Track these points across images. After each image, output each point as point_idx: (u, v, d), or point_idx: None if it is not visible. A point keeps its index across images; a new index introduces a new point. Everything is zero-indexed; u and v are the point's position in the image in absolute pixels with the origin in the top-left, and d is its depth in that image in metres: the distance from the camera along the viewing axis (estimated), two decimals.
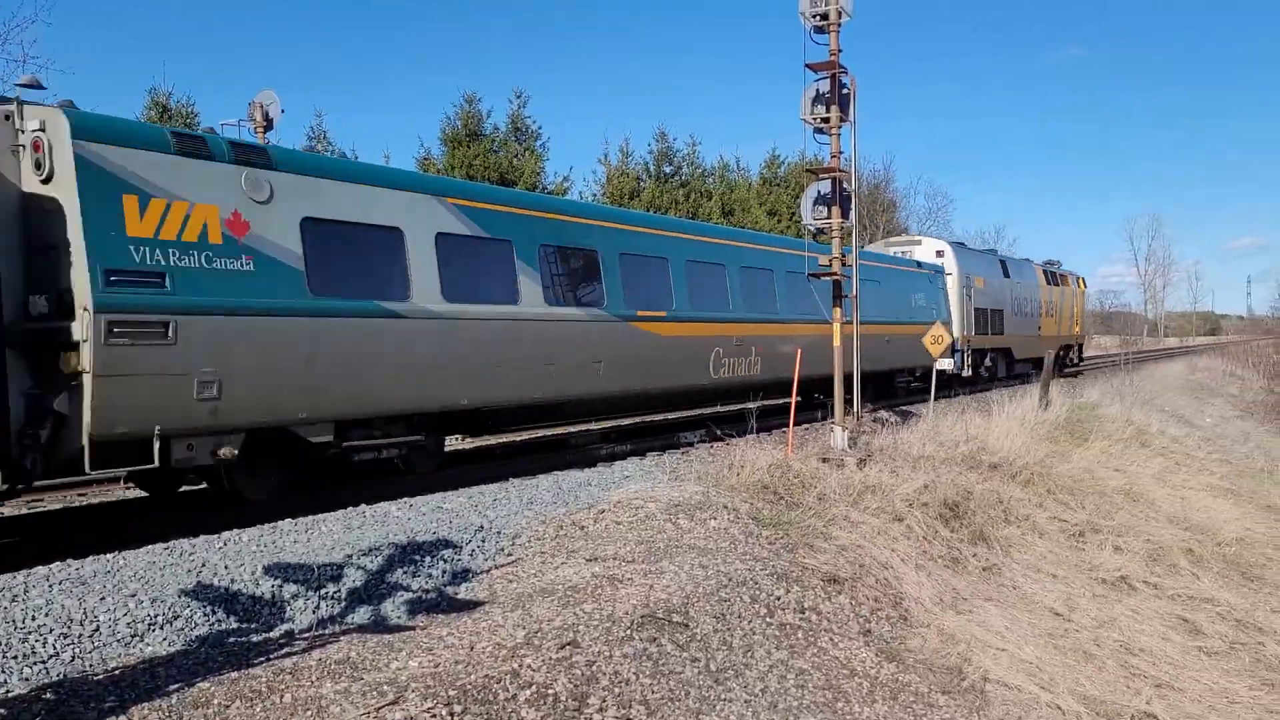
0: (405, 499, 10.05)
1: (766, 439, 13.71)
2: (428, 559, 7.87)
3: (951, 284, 26.60)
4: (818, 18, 12.60)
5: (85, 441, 8.43)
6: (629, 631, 6.53)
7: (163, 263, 8.90)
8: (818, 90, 12.91)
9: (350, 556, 7.62)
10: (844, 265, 13.12)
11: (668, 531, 8.99)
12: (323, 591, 7.06)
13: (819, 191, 13.15)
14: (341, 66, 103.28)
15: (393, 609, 7.04)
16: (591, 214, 14.96)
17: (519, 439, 13.29)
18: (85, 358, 8.35)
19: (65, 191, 8.53)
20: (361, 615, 6.92)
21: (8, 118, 8.69)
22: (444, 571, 7.78)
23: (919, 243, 28.04)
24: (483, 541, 8.40)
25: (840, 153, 12.98)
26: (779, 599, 7.78)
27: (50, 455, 8.53)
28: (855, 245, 13.82)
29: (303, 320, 9.95)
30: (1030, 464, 14.48)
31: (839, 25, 12.57)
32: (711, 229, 19.23)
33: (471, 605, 7.10)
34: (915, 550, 10.10)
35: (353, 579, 7.32)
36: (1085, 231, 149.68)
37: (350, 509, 9.52)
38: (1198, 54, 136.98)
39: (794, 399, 13.76)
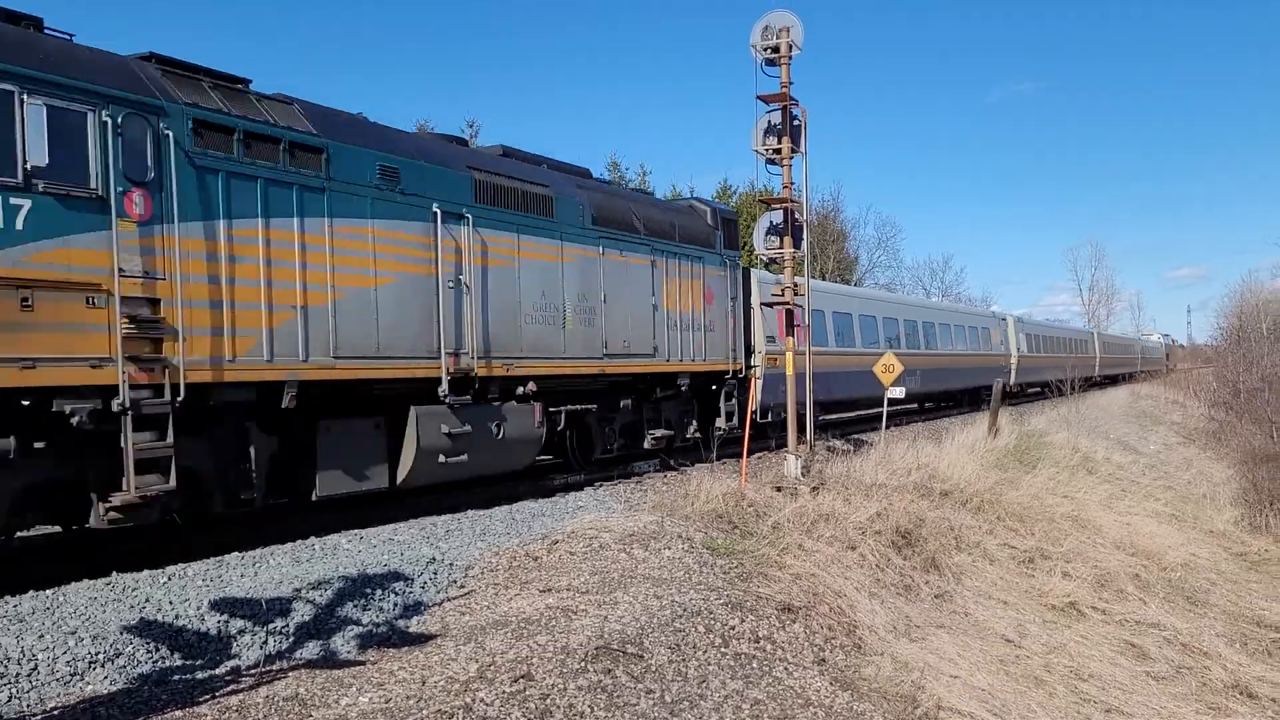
0: (355, 531, 9.91)
1: (721, 468, 13.76)
2: (379, 592, 7.76)
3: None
4: (769, 50, 12.77)
5: None
6: (583, 663, 6.47)
7: None
8: (769, 121, 13.06)
9: (299, 590, 7.49)
10: (797, 294, 13.22)
11: (622, 562, 8.96)
12: (271, 626, 6.92)
13: (771, 222, 13.27)
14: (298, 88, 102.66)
15: (343, 643, 6.93)
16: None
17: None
18: None
19: None
20: (311, 650, 6.80)
21: None
22: (395, 604, 7.68)
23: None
24: (435, 574, 8.31)
25: (792, 183, 13.12)
26: (734, 628, 7.76)
27: None
28: (807, 274, 13.95)
29: None
30: (980, 491, 14.65)
31: (790, 58, 12.74)
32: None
33: (423, 638, 7.00)
34: (869, 578, 10.15)
35: (302, 613, 7.20)
36: (1030, 261, 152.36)
37: (299, 542, 9.37)
38: (1141, 89, 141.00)
39: (746, 429, 13.81)
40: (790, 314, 13.55)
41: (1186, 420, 42.58)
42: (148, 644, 6.37)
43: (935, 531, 11.98)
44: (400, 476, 10.53)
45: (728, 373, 17.09)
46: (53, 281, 7.87)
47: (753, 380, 17.08)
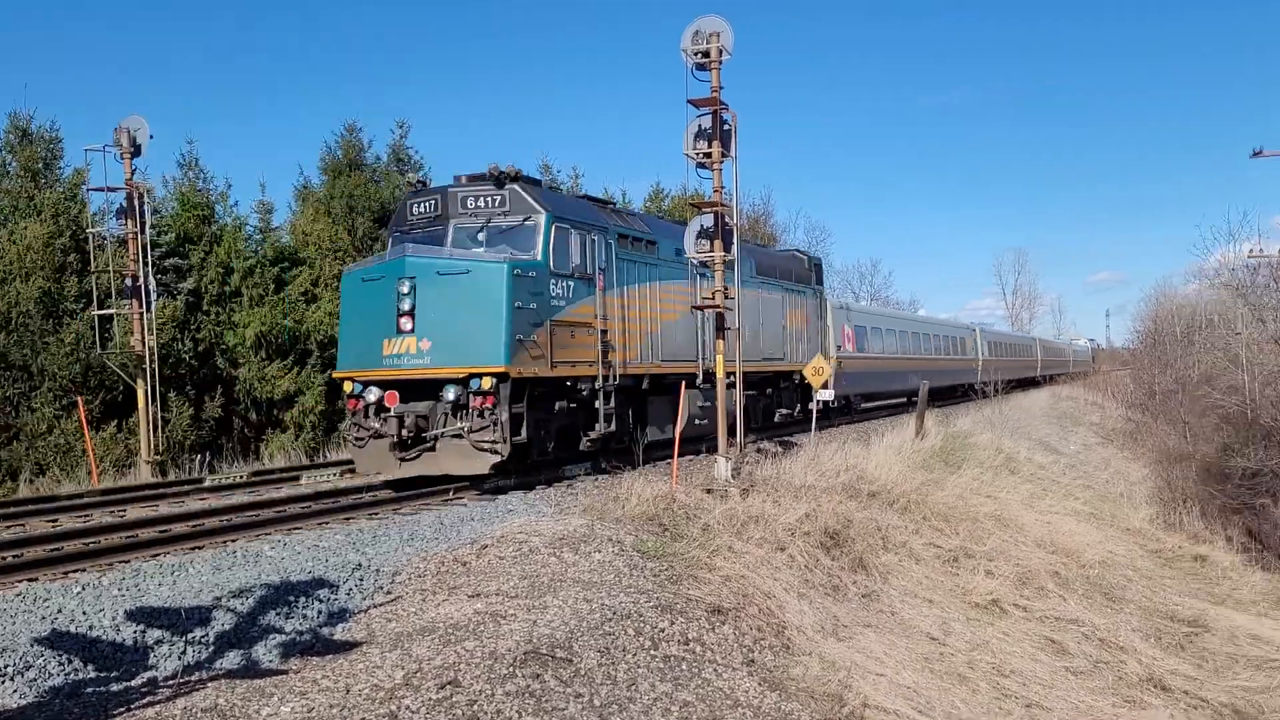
0: (279, 537, 9.73)
1: (652, 471, 13.78)
2: (302, 599, 7.62)
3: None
4: (699, 55, 12.82)
5: None
6: (512, 669, 6.43)
7: None
8: (700, 125, 13.11)
9: (220, 599, 7.32)
10: (728, 298, 13.30)
11: (552, 566, 8.92)
12: (190, 636, 6.75)
13: (702, 225, 13.32)
14: (217, 91, 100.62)
15: (265, 653, 6.78)
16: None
17: (402, 476, 13.01)
18: None
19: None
20: (231, 660, 6.65)
21: None
22: (320, 612, 7.54)
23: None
24: (361, 580, 8.18)
25: (722, 187, 13.18)
26: (663, 631, 7.77)
27: None
28: (738, 279, 14.05)
29: None
30: (907, 492, 14.90)
31: (720, 63, 12.81)
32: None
33: (348, 646, 6.89)
34: (798, 579, 10.24)
35: (222, 622, 7.04)
36: (957, 265, 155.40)
37: (219, 549, 9.17)
38: (1068, 98, 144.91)
39: (678, 432, 13.85)
40: (720, 317, 13.62)
41: (1105, 421, 43.78)
42: (60, 656, 6.17)
43: (863, 532, 12.15)
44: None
45: (798, 372, 22.37)
46: (580, 323, 14.16)
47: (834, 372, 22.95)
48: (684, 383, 15.68)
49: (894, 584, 11.42)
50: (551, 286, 13.47)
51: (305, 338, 23.88)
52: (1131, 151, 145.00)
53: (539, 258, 13.33)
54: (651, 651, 7.40)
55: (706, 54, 12.80)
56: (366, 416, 12.94)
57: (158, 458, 17.53)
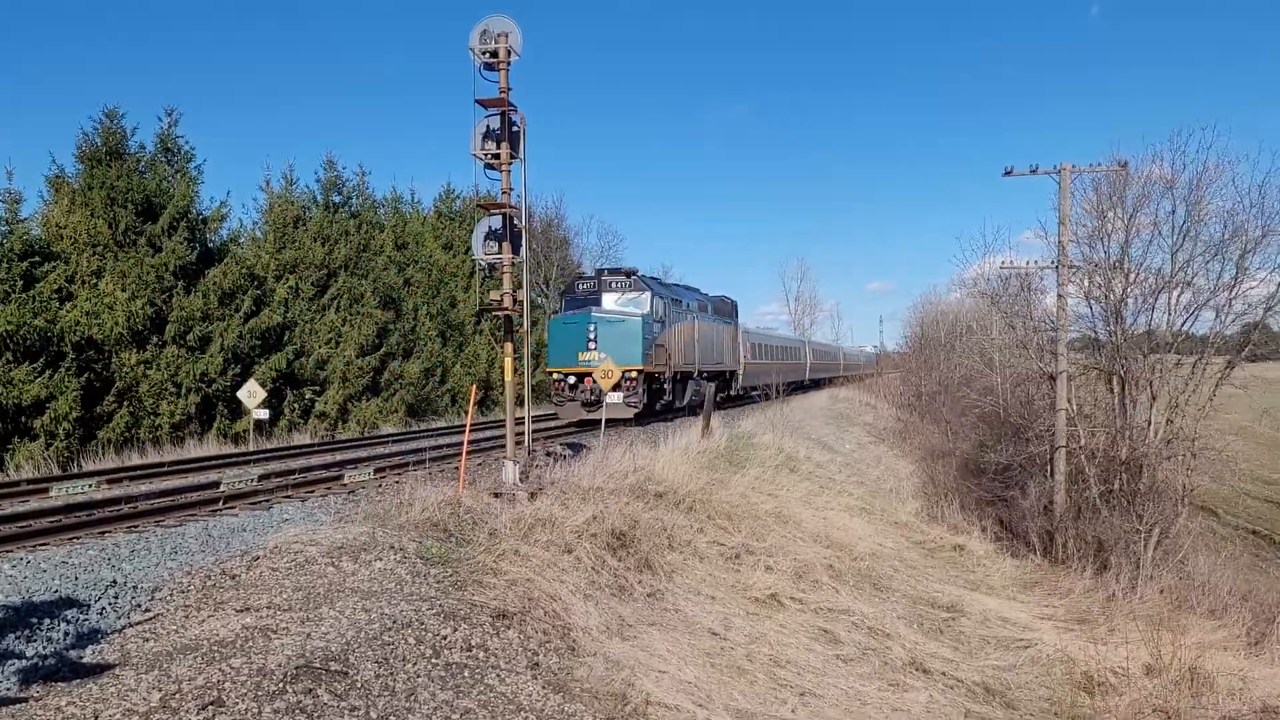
0: (22, 555, 8.91)
1: (440, 475, 13.50)
2: (47, 620, 7.00)
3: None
4: (487, 54, 12.67)
5: None
6: (282, 684, 6.12)
7: None
8: (489, 126, 12.94)
9: None
10: (516, 301, 13.22)
11: (329, 576, 8.57)
12: None
13: (490, 227, 13.16)
14: None
15: (1, 679, 6.17)
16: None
17: (165, 485, 12.21)
18: None
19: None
20: None
21: None
22: (67, 634, 6.95)
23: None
24: (115, 598, 7.60)
25: (511, 189, 13.08)
26: (446, 638, 7.61)
27: None
28: (527, 281, 13.97)
29: None
30: (693, 492, 15.24)
31: (508, 64, 12.70)
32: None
33: (99, 669, 6.37)
34: (584, 580, 10.27)
35: None
36: (746, 273, 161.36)
37: None
38: (841, 116, 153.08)
39: (466, 434, 13.65)
40: (509, 320, 13.50)
41: (877, 421, 46.35)
42: None
43: (649, 532, 12.33)
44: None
45: (734, 371, 36.70)
46: (660, 345, 26.33)
47: (739, 373, 37.55)
48: (690, 376, 29.31)
49: (679, 582, 11.64)
50: (653, 327, 25.50)
51: (59, 339, 22.04)
52: (902, 166, 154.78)
53: (647, 312, 25.31)
54: (433, 660, 7.23)
55: (495, 54, 12.66)
56: (566, 390, 24.91)
57: None
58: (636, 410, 24.22)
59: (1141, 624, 13.89)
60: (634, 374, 24.21)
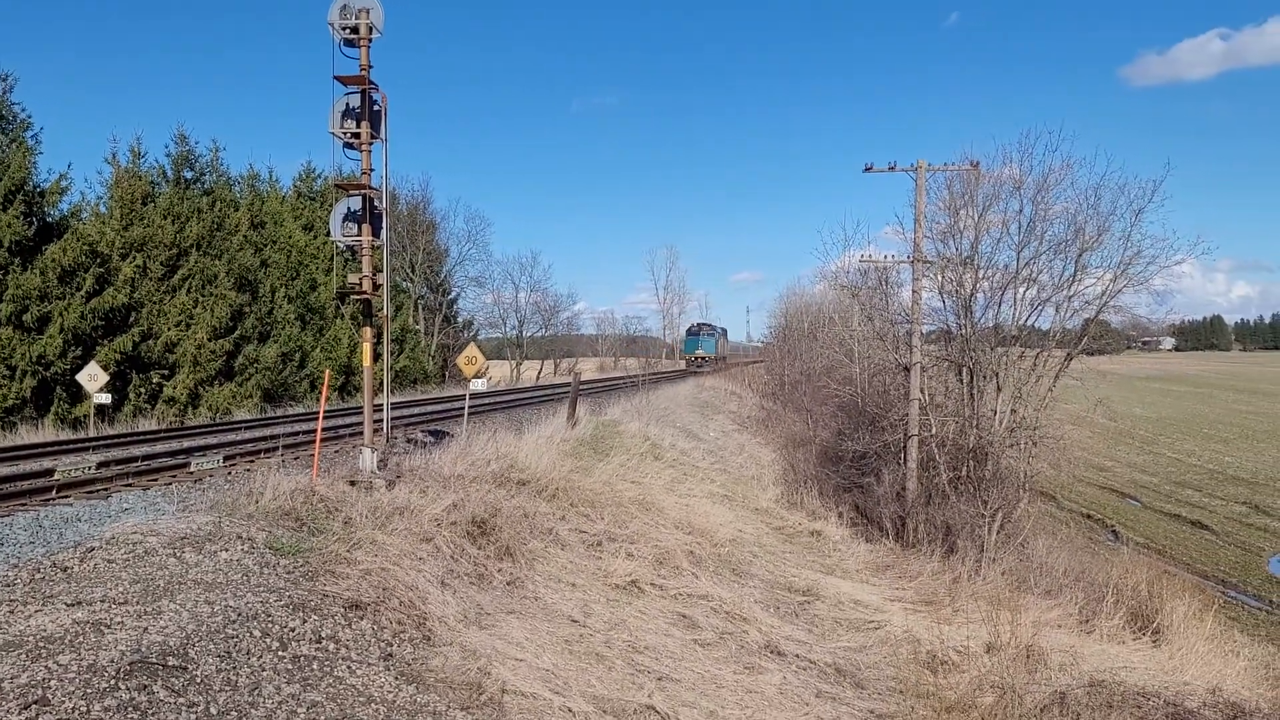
0: None
1: (294, 463, 13.11)
2: None
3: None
4: (348, 30, 12.30)
5: None
6: (114, 681, 5.81)
7: None
8: (349, 104, 12.58)
9: None
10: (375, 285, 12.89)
11: (170, 567, 8.20)
12: None
13: (349, 208, 12.80)
14: None
15: None
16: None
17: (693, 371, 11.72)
18: None
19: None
20: None
21: None
22: None
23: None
24: None
25: (372, 170, 12.74)
26: (294, 630, 7.38)
27: None
28: (387, 265, 13.64)
29: None
30: (556, 479, 15.21)
31: (370, 40, 12.36)
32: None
33: None
34: (443, 569, 10.13)
35: None
36: (614, 261, 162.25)
37: None
38: (708, 110, 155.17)
39: (320, 419, 13.28)
40: (369, 304, 13.17)
41: (741, 409, 47.24)
42: None
43: (510, 520, 12.24)
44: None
45: (723, 356, 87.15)
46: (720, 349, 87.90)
47: (725, 357, 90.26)
48: (724, 358, 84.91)
49: (540, 570, 11.60)
50: (718, 344, 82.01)
51: None
52: (771, 161, 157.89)
53: (715, 336, 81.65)
54: (280, 653, 7.00)
55: (355, 30, 12.31)
56: (688, 364, 77.45)
57: None
58: (714, 370, 67.67)
59: (984, 604, 14.54)
60: (710, 356, 76.79)
